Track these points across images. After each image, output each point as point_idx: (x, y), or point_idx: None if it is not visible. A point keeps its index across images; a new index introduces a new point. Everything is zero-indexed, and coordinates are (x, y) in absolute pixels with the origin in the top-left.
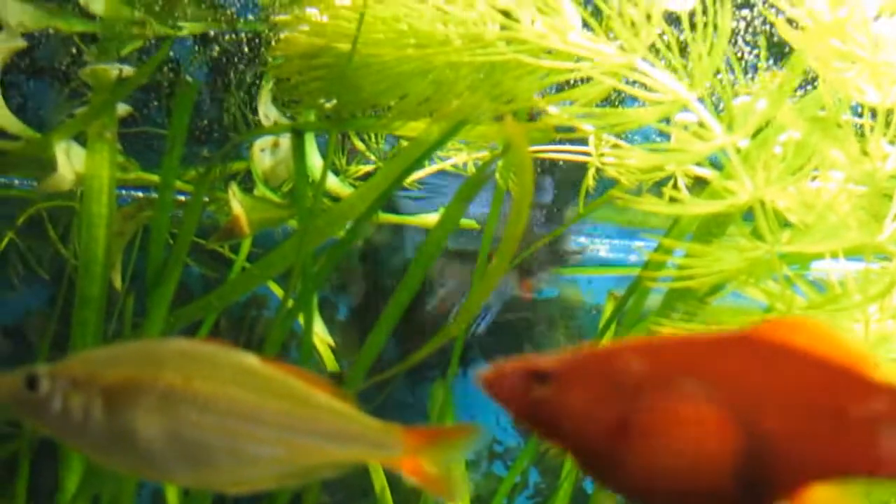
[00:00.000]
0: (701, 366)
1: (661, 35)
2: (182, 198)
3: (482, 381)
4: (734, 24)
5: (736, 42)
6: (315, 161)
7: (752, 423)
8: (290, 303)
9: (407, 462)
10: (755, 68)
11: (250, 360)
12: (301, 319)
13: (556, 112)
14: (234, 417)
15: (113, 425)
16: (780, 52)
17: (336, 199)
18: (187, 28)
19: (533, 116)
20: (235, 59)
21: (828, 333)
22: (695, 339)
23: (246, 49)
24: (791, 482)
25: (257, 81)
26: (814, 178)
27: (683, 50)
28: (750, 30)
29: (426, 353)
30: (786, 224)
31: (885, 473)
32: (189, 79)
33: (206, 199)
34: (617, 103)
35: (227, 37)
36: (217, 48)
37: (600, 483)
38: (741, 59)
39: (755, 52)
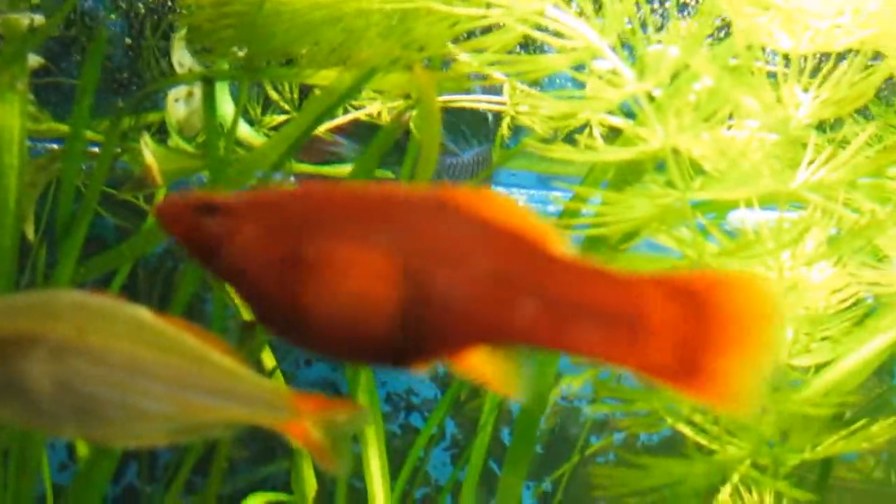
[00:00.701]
0: (379, 216)
1: None
2: (96, 149)
3: (154, 210)
4: None
5: None
6: (227, 110)
7: (421, 277)
8: None
9: (294, 426)
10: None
11: (145, 314)
12: None
13: (467, 60)
14: (126, 371)
15: (3, 376)
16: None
17: (251, 149)
18: None
19: (445, 65)
20: (150, 8)
21: (517, 207)
22: (380, 191)
23: None
24: (454, 341)
25: (172, 30)
26: (729, 128)
27: None
28: None
29: None
30: (702, 174)
31: (544, 343)
32: (102, 28)
33: (120, 149)
34: (533, 51)
35: None
36: None
37: (270, 327)
38: (657, 9)
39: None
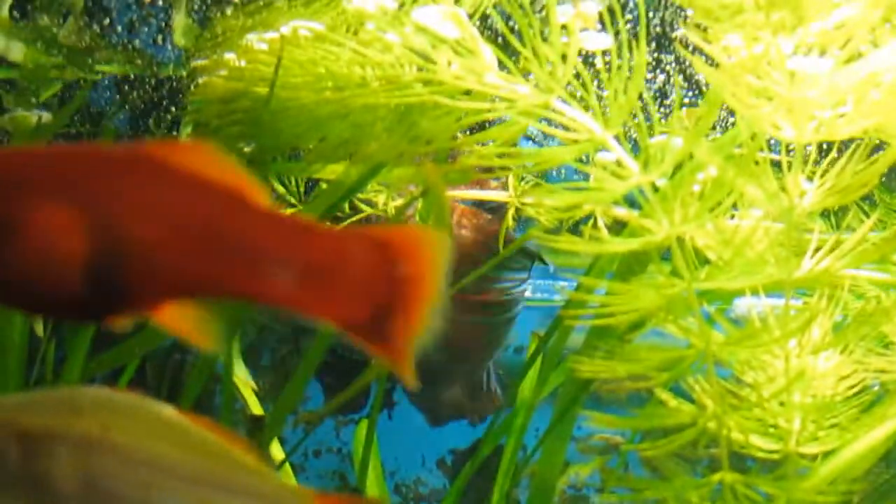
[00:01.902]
0: (68, 172)
1: (576, 76)
2: None
3: None
4: (650, 62)
5: (654, 82)
6: None
7: (109, 231)
8: None
9: None
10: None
11: (169, 411)
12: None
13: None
14: (150, 470)
15: (27, 472)
16: (698, 90)
17: None
18: (105, 71)
19: (451, 157)
20: (156, 105)
21: (220, 159)
22: (75, 150)
23: (166, 95)
24: (149, 295)
25: (178, 127)
26: (733, 216)
27: (601, 90)
28: (667, 69)
29: (349, 395)
30: (707, 262)
31: (241, 293)
32: (109, 125)
33: None
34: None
35: (147, 83)
36: (137, 94)
37: None
38: (663, 100)
39: (673, 91)
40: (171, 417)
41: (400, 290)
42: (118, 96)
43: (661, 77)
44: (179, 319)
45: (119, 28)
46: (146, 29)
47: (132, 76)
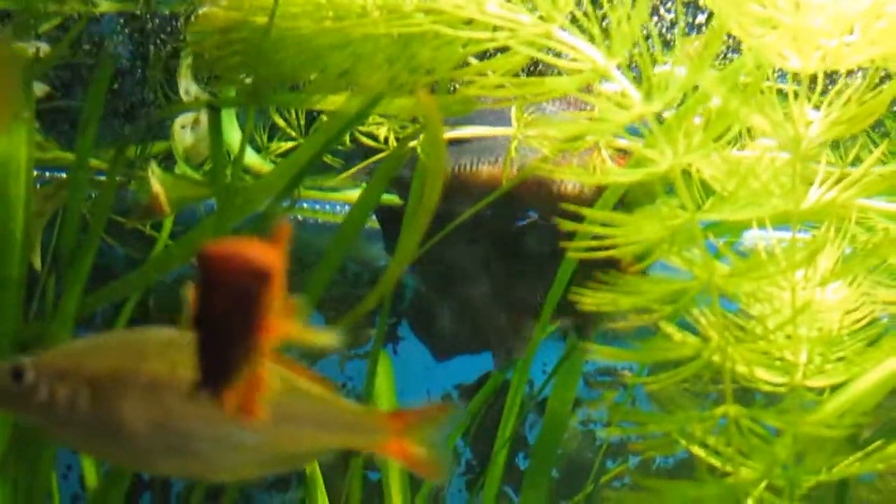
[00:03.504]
0: None
1: (578, 3)
2: (103, 178)
3: None
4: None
5: (658, 12)
6: (234, 137)
7: None
8: None
9: (392, 445)
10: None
11: None
12: None
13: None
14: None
15: (98, 415)
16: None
17: (259, 176)
18: (104, 6)
19: (452, 89)
20: (157, 37)
21: None
22: None
23: (168, 26)
24: None
25: (178, 59)
26: (741, 148)
27: (604, 20)
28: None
29: (350, 321)
30: (715, 195)
31: None
32: (107, 58)
33: (128, 178)
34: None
35: (148, 15)
36: (139, 25)
37: None
38: (669, 30)
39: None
40: None
41: None
42: (119, 28)
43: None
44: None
45: None
46: None
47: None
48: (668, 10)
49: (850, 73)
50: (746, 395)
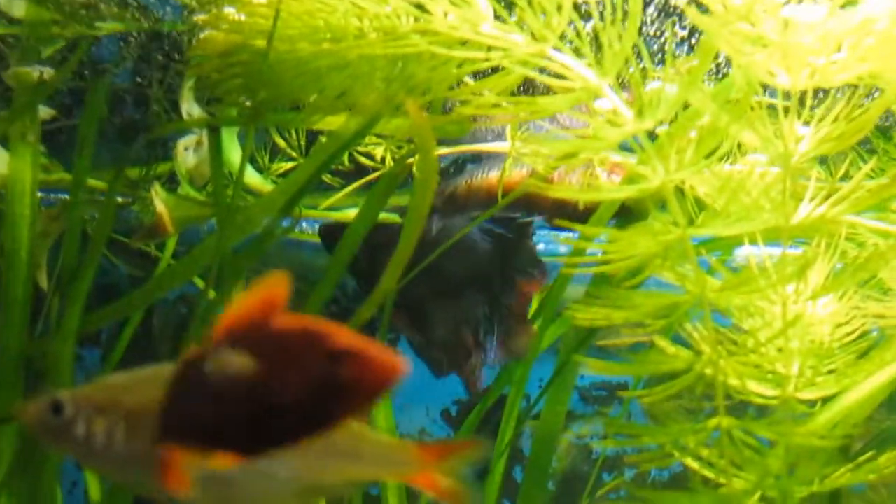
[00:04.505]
0: None
1: (571, 24)
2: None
3: None
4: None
5: (646, 30)
6: (235, 157)
7: None
8: (212, 294)
9: (422, 477)
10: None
11: None
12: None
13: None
14: None
15: (135, 449)
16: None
17: (260, 195)
18: (106, 28)
19: (447, 109)
20: (158, 60)
21: None
22: None
23: (168, 49)
24: None
25: (179, 81)
26: (732, 163)
27: (596, 40)
28: (661, 17)
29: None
30: (706, 210)
31: None
32: (101, 81)
33: (132, 198)
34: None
35: (149, 38)
36: (139, 50)
37: None
38: (660, 49)
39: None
40: None
41: None
42: (120, 52)
43: (657, 29)
44: None
45: None
46: None
47: (134, 33)
48: (660, 33)
49: (839, 90)
50: (741, 412)
